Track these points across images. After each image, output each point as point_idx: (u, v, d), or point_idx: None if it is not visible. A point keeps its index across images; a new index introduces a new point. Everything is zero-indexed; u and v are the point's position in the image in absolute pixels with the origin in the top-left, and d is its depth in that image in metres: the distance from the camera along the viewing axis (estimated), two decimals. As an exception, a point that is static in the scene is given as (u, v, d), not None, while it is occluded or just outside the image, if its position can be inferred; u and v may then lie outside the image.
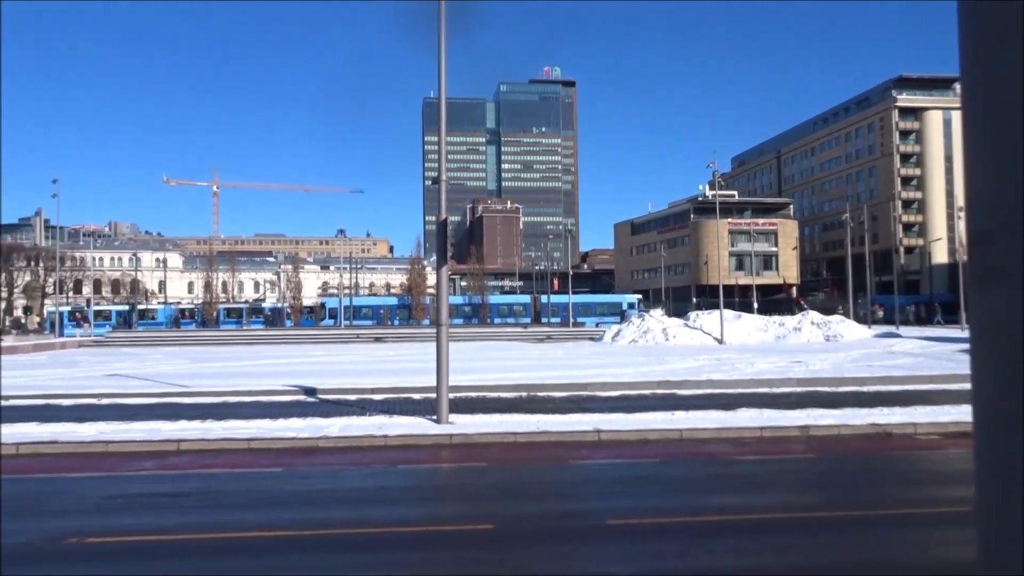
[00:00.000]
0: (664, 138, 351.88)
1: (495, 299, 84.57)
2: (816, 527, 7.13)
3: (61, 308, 69.66)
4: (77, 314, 69.78)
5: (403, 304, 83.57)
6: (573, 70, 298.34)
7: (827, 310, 49.38)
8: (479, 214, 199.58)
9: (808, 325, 40.32)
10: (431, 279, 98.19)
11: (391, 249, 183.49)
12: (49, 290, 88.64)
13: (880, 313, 61.13)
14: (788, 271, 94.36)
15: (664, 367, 24.23)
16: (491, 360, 29.02)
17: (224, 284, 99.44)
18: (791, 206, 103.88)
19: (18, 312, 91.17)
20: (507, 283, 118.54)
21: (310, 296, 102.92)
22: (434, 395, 13.87)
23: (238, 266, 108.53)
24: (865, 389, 18.21)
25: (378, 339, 51.90)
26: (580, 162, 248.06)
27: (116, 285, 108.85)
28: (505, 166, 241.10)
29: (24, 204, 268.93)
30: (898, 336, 40.41)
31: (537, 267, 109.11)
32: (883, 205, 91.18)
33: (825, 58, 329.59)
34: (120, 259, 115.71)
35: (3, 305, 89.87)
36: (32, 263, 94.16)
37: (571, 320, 64.10)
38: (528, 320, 72.65)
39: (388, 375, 22.27)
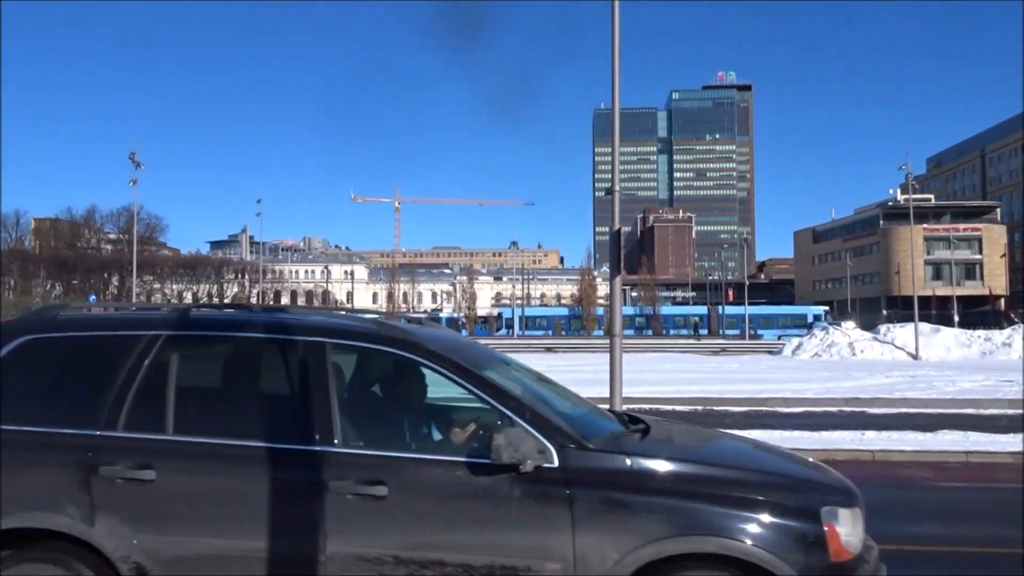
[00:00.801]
0: (848, 141, 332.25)
1: (667, 310, 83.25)
2: (1036, 565, 6.39)
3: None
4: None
5: (574, 315, 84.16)
6: (749, 74, 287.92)
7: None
8: (650, 224, 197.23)
9: (1020, 340, 36.36)
10: (601, 289, 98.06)
11: (561, 260, 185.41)
12: (253, 300, 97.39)
13: None
14: (995, 281, 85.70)
15: (851, 383, 22.78)
16: (664, 372, 28.51)
17: (405, 295, 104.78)
18: (998, 210, 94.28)
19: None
20: (679, 294, 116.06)
21: (484, 306, 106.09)
22: (607, 407, 13.80)
23: (417, 278, 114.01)
24: (1093, 413, 16.13)
25: (549, 349, 52.52)
26: (756, 168, 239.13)
27: (309, 296, 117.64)
28: (677, 175, 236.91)
29: (233, 222, 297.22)
30: None
31: (711, 277, 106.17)
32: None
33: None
34: (313, 271, 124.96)
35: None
36: (239, 276, 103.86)
37: (747, 332, 61.74)
38: (706, 332, 70.57)
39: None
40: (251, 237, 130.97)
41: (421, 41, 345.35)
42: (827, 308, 74.68)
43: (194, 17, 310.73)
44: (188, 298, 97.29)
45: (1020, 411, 16.48)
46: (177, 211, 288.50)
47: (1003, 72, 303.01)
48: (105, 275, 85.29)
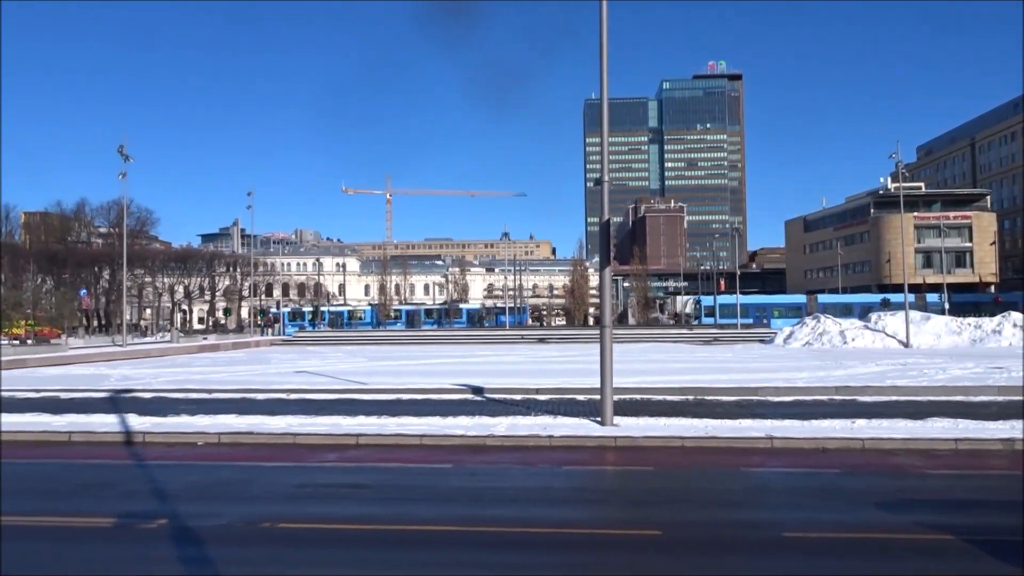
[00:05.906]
0: (838, 130, 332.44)
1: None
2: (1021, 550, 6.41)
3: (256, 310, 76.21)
4: (269, 316, 75.88)
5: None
6: (739, 63, 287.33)
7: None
8: (642, 214, 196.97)
9: (1009, 327, 36.55)
10: (593, 280, 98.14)
11: (554, 251, 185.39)
12: (245, 293, 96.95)
13: None
14: (985, 268, 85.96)
15: (842, 372, 22.85)
16: (655, 362, 28.58)
17: (397, 286, 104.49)
18: (988, 197, 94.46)
19: (219, 313, 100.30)
20: (671, 284, 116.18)
21: (476, 297, 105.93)
22: (598, 396, 13.82)
23: (409, 269, 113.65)
24: (1082, 400, 16.23)
25: (542, 340, 52.52)
26: (747, 158, 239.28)
27: (301, 288, 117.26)
28: (668, 164, 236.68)
29: (224, 215, 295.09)
30: (1122, 340, 35.71)
31: (703, 267, 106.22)
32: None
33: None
34: (304, 264, 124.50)
35: (207, 307, 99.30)
36: (230, 269, 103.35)
37: (738, 322, 61.79)
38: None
39: (552, 376, 22.51)
40: (242, 230, 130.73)
41: (413, 34, 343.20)
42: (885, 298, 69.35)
43: (185, 7, 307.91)
44: (180, 291, 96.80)
45: (1017, 398, 16.57)
46: (168, 204, 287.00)
47: (994, 60, 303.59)
48: (96, 269, 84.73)
